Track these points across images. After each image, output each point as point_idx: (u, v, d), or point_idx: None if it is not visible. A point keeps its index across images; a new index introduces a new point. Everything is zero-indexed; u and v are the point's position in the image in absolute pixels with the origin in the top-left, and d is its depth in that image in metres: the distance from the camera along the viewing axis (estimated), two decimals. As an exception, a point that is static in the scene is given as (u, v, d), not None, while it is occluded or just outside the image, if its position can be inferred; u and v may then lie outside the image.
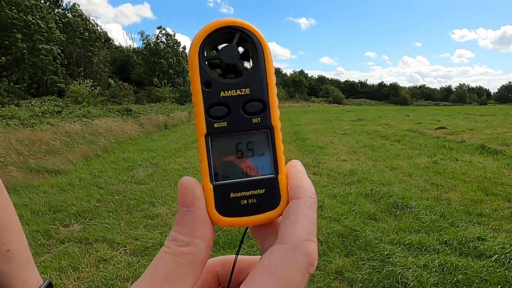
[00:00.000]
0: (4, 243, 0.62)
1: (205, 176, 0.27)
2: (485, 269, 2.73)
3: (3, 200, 0.65)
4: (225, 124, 0.27)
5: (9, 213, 0.65)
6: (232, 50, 0.27)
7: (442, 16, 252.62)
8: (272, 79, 0.28)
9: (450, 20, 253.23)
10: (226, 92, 0.27)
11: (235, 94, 0.27)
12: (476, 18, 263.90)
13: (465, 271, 2.72)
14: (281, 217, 0.27)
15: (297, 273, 0.23)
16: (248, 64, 0.28)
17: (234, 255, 0.31)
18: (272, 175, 0.27)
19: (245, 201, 0.27)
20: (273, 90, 0.28)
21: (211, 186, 0.27)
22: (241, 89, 0.27)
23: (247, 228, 0.29)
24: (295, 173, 0.28)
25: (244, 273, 0.29)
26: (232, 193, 0.27)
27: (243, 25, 0.27)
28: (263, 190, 0.27)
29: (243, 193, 0.27)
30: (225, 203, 0.27)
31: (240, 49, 0.28)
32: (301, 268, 0.23)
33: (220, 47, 0.28)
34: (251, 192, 0.27)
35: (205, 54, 0.27)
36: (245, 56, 0.28)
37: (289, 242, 0.24)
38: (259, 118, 0.27)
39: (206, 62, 0.27)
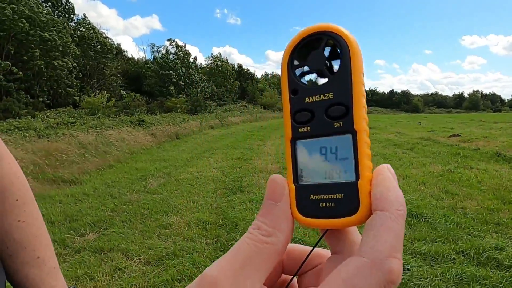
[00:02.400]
0: (35, 250, 0.65)
1: (289, 177, 0.29)
2: (504, 279, 2.66)
3: (34, 210, 0.68)
4: (308, 129, 0.28)
5: (39, 222, 0.68)
6: (319, 56, 0.28)
7: (451, 23, 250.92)
8: (357, 82, 0.27)
9: (459, 26, 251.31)
10: (310, 98, 0.28)
11: (318, 99, 0.28)
12: (486, 24, 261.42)
13: (483, 282, 2.66)
14: (355, 226, 0.28)
15: (373, 287, 0.22)
16: (335, 69, 0.28)
17: (300, 245, 0.32)
18: (352, 180, 0.27)
19: (324, 204, 0.28)
20: (359, 94, 0.27)
21: (294, 187, 0.28)
22: (325, 94, 0.28)
23: (326, 230, 0.29)
24: (381, 181, 0.26)
25: (308, 263, 0.31)
26: (312, 195, 0.28)
27: (331, 29, 0.27)
28: (342, 195, 0.27)
29: (322, 196, 0.28)
30: (305, 203, 0.28)
31: (328, 54, 0.28)
32: (377, 283, 0.22)
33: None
34: (330, 196, 0.27)
35: (295, 63, 0.29)
36: (333, 61, 0.28)
37: (369, 257, 0.23)
38: (341, 122, 0.27)
39: (295, 71, 0.29)
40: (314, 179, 0.28)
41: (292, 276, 0.31)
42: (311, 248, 0.31)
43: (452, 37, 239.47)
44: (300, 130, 0.29)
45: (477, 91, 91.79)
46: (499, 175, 5.96)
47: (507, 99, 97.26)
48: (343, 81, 0.27)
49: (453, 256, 3.09)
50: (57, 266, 0.70)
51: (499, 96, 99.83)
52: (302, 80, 0.29)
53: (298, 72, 0.29)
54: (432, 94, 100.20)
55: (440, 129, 15.02)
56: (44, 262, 0.66)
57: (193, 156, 9.10)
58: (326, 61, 0.28)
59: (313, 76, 0.29)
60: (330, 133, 0.27)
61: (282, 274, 0.33)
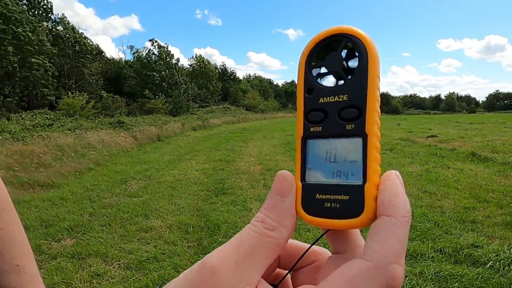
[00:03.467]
0: (14, 258, 0.63)
1: (297, 175, 0.29)
2: (480, 276, 2.74)
3: (13, 217, 0.66)
4: (320, 128, 0.29)
5: (19, 228, 0.66)
6: (336, 57, 0.28)
7: (427, 26, 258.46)
8: (373, 87, 0.27)
9: (436, 30, 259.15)
10: (325, 98, 0.28)
11: (333, 101, 0.28)
12: (460, 28, 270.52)
13: (460, 279, 2.73)
14: (356, 229, 0.29)
15: None
16: (352, 71, 0.28)
17: (296, 241, 0.32)
18: (359, 183, 0.27)
19: (329, 204, 0.28)
20: (373, 97, 0.27)
21: (301, 185, 0.29)
22: (339, 96, 0.28)
23: (328, 230, 0.29)
24: (389, 186, 0.26)
25: (304, 260, 0.31)
26: (318, 194, 0.28)
27: (351, 32, 0.28)
28: (347, 196, 0.27)
29: (328, 196, 0.28)
30: (310, 202, 0.28)
31: (345, 56, 0.28)
32: (379, 287, 0.22)
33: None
34: (335, 196, 0.27)
35: (313, 63, 0.29)
36: (350, 63, 0.28)
37: (373, 261, 0.23)
38: (352, 125, 0.27)
39: (312, 71, 0.29)
40: (321, 179, 0.28)
41: (287, 271, 0.32)
42: (308, 245, 0.32)
43: (428, 40, 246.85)
44: (312, 129, 0.29)
45: (453, 93, 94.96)
46: (474, 174, 6.15)
47: (482, 101, 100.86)
48: (359, 84, 0.27)
49: (431, 255, 3.16)
50: (37, 274, 0.68)
51: (474, 98, 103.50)
52: (318, 80, 0.29)
53: (314, 72, 0.30)
54: (411, 95, 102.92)
55: (418, 130, 15.41)
56: (24, 270, 0.64)
57: (175, 158, 8.99)
58: (344, 63, 0.28)
59: (329, 77, 0.29)
60: (341, 135, 0.28)
61: (277, 268, 0.33)
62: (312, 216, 0.28)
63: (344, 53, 0.28)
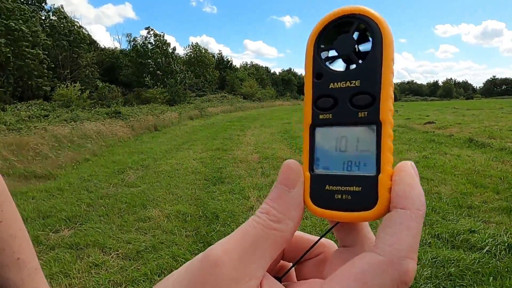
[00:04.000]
0: (14, 252, 0.62)
1: (305, 165, 0.28)
2: (477, 261, 2.76)
3: (12, 210, 0.65)
4: (330, 116, 0.27)
5: (18, 221, 0.66)
6: (347, 40, 0.27)
7: (424, 11, 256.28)
8: (387, 71, 0.25)
9: (432, 15, 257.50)
10: (335, 84, 0.27)
11: (344, 86, 0.26)
12: (457, 13, 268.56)
13: (457, 264, 2.75)
14: (368, 222, 0.27)
15: (386, 285, 0.22)
16: (365, 55, 0.26)
17: (301, 232, 0.31)
18: (372, 174, 0.25)
19: (339, 196, 0.26)
20: (387, 83, 0.25)
21: (309, 175, 0.27)
22: (351, 81, 0.26)
23: (337, 222, 0.28)
24: (403, 178, 0.25)
25: (309, 253, 0.30)
26: (327, 185, 0.27)
27: (363, 12, 0.26)
28: (360, 188, 0.26)
29: (339, 187, 0.26)
30: (320, 193, 0.27)
31: (357, 38, 0.27)
32: (391, 282, 0.22)
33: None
34: (347, 188, 0.26)
35: (322, 46, 0.28)
36: (362, 46, 0.27)
37: (385, 255, 0.22)
38: (365, 112, 0.26)
39: (321, 54, 0.28)
40: (331, 169, 0.27)
41: (292, 264, 0.31)
42: (313, 236, 0.31)
43: (425, 26, 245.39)
44: (321, 116, 0.27)
45: (451, 79, 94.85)
46: (471, 160, 6.17)
47: (479, 87, 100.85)
48: (372, 69, 0.26)
49: (429, 240, 3.17)
50: (38, 267, 0.67)
51: (471, 84, 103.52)
52: (327, 64, 0.28)
53: (323, 55, 0.28)
54: (408, 82, 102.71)
55: (416, 116, 15.40)
56: (25, 263, 0.63)
57: (172, 148, 8.97)
58: (356, 46, 0.27)
59: (339, 61, 0.28)
60: (353, 123, 0.26)
61: (281, 260, 0.32)
62: (322, 208, 0.27)
63: (356, 35, 0.27)
